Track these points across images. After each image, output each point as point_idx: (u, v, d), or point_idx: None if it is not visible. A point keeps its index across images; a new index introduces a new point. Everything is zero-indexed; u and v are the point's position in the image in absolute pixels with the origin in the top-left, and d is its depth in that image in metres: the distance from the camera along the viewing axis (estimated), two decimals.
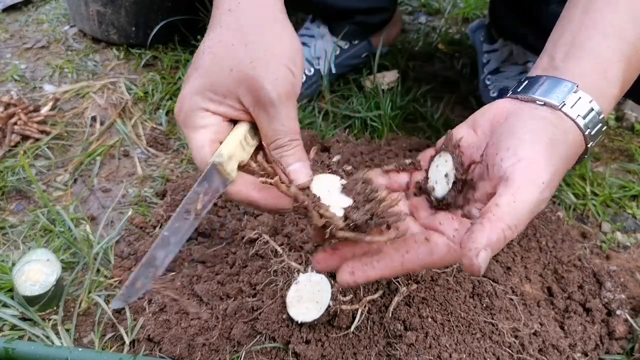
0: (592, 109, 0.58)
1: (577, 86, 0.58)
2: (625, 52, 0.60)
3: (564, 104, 0.57)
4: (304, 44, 1.32)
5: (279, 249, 0.91)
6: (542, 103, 0.58)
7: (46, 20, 1.62)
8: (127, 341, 0.84)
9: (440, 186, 0.61)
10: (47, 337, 0.84)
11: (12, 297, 0.87)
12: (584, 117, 0.58)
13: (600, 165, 1.21)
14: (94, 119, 1.27)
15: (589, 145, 0.59)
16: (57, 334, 0.85)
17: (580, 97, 0.58)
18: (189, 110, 0.62)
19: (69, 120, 1.26)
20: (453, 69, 1.48)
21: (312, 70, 1.31)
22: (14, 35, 1.55)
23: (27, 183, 1.10)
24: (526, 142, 0.54)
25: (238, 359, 0.80)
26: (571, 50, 0.61)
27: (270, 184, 0.57)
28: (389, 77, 1.37)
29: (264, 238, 0.93)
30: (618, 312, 0.89)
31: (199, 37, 1.44)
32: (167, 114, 1.29)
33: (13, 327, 0.85)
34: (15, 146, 1.17)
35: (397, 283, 0.84)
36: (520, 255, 0.95)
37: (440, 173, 0.62)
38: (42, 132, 1.20)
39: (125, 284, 0.59)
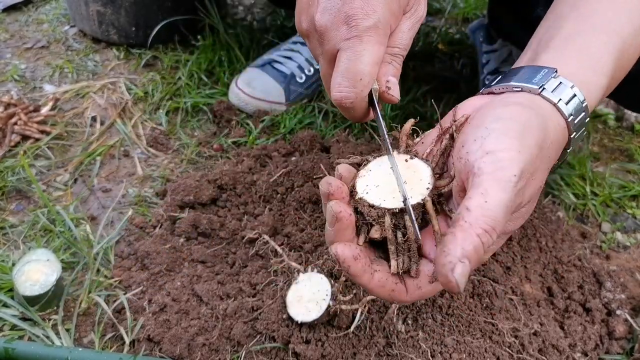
0: (575, 95, 0.54)
1: (556, 71, 0.54)
2: (618, 45, 0.58)
3: (543, 89, 0.54)
4: (304, 43, 1.32)
5: (278, 249, 0.91)
6: (519, 89, 0.54)
7: (46, 20, 1.62)
8: (127, 341, 0.84)
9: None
10: (47, 337, 0.84)
11: (12, 297, 0.87)
12: (567, 103, 0.54)
13: (600, 165, 1.21)
14: (94, 119, 1.26)
15: (572, 136, 0.55)
16: (57, 334, 0.85)
17: (560, 82, 0.54)
18: (385, 20, 0.57)
19: (69, 120, 1.26)
20: (453, 69, 1.47)
21: (312, 70, 1.31)
22: (14, 35, 1.55)
23: (27, 183, 1.10)
24: (494, 132, 0.48)
25: (238, 359, 0.80)
26: (557, 43, 0.58)
27: None
28: None
29: (264, 238, 0.93)
30: (618, 312, 0.89)
31: (199, 37, 1.45)
32: (167, 114, 1.29)
33: (13, 327, 0.85)
34: (15, 146, 1.17)
35: None
36: (520, 255, 0.95)
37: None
38: (42, 132, 1.20)
39: None
